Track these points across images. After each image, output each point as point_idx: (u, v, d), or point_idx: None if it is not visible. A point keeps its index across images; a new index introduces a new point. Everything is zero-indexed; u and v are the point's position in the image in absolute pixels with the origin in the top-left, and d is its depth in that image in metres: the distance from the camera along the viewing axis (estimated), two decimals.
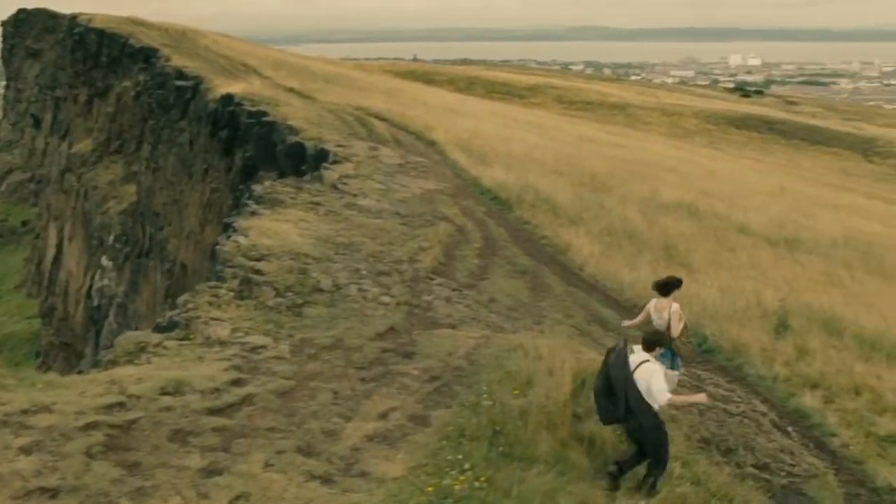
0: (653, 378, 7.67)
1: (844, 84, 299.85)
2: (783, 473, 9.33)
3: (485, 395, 8.69)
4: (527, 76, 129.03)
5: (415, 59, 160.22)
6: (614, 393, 7.71)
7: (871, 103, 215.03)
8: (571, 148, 37.53)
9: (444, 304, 12.06)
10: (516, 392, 8.69)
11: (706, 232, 21.85)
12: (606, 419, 7.85)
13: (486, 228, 18.12)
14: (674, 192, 26.80)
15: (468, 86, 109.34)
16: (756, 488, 8.88)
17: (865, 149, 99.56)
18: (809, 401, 11.22)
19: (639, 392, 7.65)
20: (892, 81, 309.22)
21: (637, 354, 7.88)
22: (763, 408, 10.73)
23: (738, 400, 10.75)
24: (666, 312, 9.99)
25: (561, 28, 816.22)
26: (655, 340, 8.11)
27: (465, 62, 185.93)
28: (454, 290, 12.86)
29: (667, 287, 10.15)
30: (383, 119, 33.11)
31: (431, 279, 13.18)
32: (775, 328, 13.79)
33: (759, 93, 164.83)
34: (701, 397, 8.37)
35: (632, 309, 14.14)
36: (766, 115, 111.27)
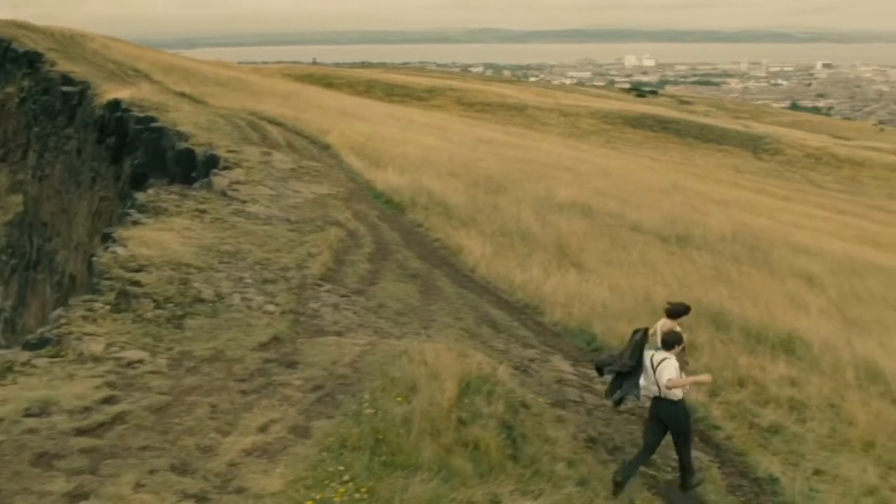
0: (665, 368, 8.84)
1: (734, 84, 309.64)
2: (669, 468, 9.41)
3: (367, 404, 8.51)
4: (426, 78, 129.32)
5: (314, 63, 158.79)
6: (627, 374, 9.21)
7: (759, 102, 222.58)
8: (468, 149, 37.61)
9: (332, 310, 11.82)
10: (400, 399, 8.54)
11: (599, 230, 22.10)
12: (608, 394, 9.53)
13: (378, 232, 17.93)
14: (568, 192, 27.05)
15: (367, 89, 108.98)
16: (642, 485, 8.93)
17: (755, 146, 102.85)
18: (694, 395, 11.35)
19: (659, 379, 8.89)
20: (779, 81, 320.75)
21: (658, 353, 9.07)
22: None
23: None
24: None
25: (459, 30, 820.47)
26: (672, 340, 9.22)
27: (364, 65, 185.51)
28: (342, 296, 12.63)
29: (677, 313, 10.36)
30: (277, 123, 32.60)
31: (319, 286, 12.92)
32: None
33: (654, 93, 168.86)
34: (706, 377, 9.58)
35: (523, 309, 14.16)
36: (661, 114, 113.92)
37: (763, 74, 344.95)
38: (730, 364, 13.15)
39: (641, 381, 9.15)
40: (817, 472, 10.24)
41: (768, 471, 9.77)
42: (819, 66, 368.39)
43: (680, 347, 9.28)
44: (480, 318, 13.00)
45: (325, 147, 28.80)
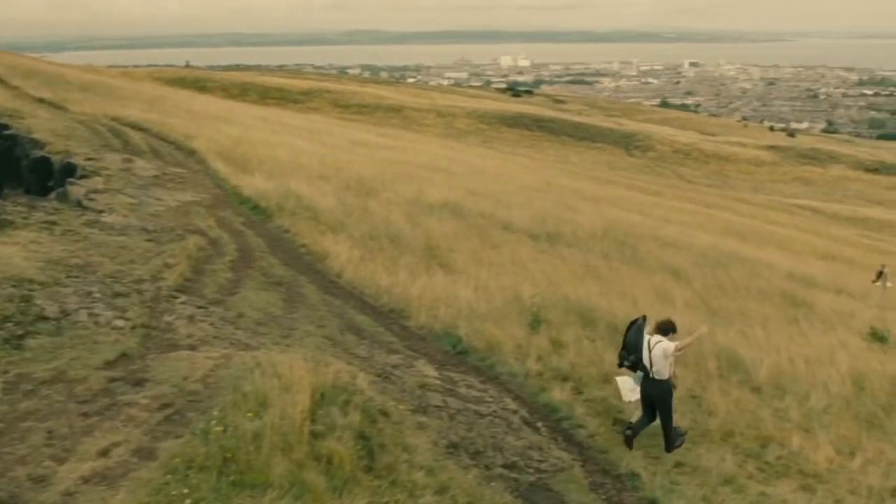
0: (664, 349, 10.32)
1: (607, 83, 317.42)
2: (531, 470, 9.35)
3: (216, 421, 8.12)
4: (302, 81, 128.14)
5: (187, 66, 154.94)
6: (631, 352, 10.70)
7: (631, 100, 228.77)
8: (341, 152, 37.23)
9: (187, 323, 11.33)
10: (250, 414, 8.18)
11: (470, 230, 22.10)
12: (621, 364, 10.93)
13: (242, 240, 17.42)
14: (441, 193, 27.01)
15: (242, 92, 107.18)
16: (504, 489, 8.83)
17: (627, 143, 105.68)
18: (559, 394, 11.38)
19: (656, 362, 10.34)
20: (650, 80, 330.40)
21: (655, 337, 10.52)
22: (514, 405, 10.76)
23: (490, 400, 10.72)
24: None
25: (335, 32, 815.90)
26: (667, 328, 10.70)
27: (239, 68, 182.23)
28: (199, 307, 12.15)
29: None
30: (141, 129, 31.52)
31: (175, 297, 12.40)
32: (530, 324, 13.98)
33: (529, 92, 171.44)
34: (702, 329, 11.15)
35: (389, 314, 13.95)
36: (536, 113, 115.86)
37: (634, 73, 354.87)
38: (596, 360, 13.24)
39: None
40: (678, 465, 10.38)
41: (630, 467, 9.83)
42: (687, 65, 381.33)
43: (674, 334, 10.67)
44: (345, 324, 12.73)
45: (192, 152, 27.98)
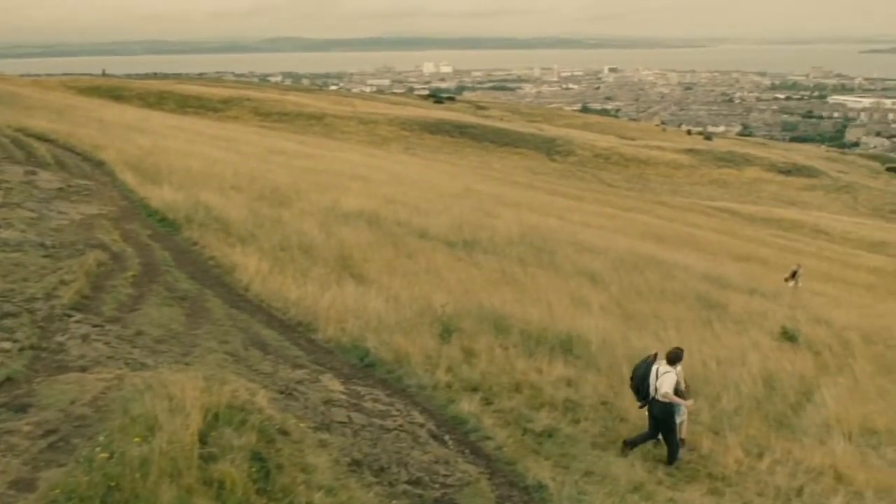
0: (665, 381, 11.36)
1: (529, 88, 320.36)
2: (436, 486, 9.13)
3: (101, 448, 7.73)
4: (222, 89, 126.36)
5: (104, 74, 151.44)
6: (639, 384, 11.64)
7: (552, 106, 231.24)
8: (257, 161, 36.66)
9: (80, 343, 10.85)
10: (138, 439, 7.80)
11: (385, 239, 21.85)
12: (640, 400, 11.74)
13: (148, 253, 16.87)
14: (357, 201, 26.71)
15: (159, 101, 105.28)
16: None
17: (548, 148, 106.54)
18: (468, 405, 11.19)
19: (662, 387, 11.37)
20: (571, 85, 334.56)
21: (663, 367, 11.55)
22: (421, 419, 10.54)
23: (396, 413, 10.48)
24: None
25: (256, 39, 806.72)
26: (674, 358, 11.74)
27: (157, 76, 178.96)
28: (95, 326, 11.65)
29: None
30: (47, 140, 30.52)
31: (69, 316, 11.88)
32: (440, 334, 13.79)
33: (452, 99, 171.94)
34: (689, 403, 11.99)
35: (296, 327, 13.61)
36: (459, 119, 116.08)
37: (555, 79, 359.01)
38: (507, 369, 13.13)
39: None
40: (587, 474, 10.29)
41: (537, 478, 9.69)
42: (606, 70, 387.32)
43: (679, 363, 11.75)
44: (249, 339, 12.36)
45: (100, 164, 27.15)
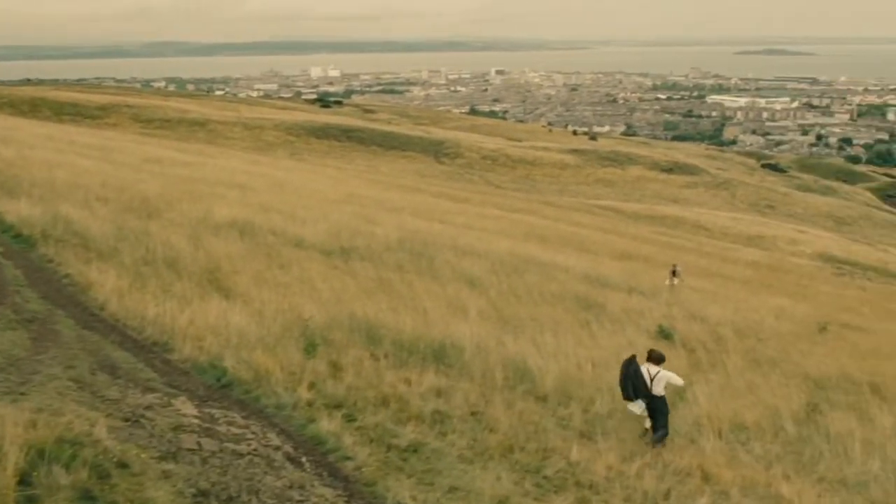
0: (670, 378, 13.50)
1: (417, 91, 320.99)
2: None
3: None
4: (101, 95, 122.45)
5: None
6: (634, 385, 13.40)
7: (441, 108, 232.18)
8: (129, 170, 35.37)
9: None
10: None
11: (257, 250, 21.22)
12: (628, 397, 13.51)
13: None
14: (231, 211, 25.94)
15: (32, 108, 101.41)
16: None
17: (436, 151, 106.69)
18: (328, 424, 10.77)
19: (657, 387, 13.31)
20: (458, 88, 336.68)
21: (653, 368, 13.50)
22: (278, 441, 10.06)
23: (251, 437, 9.98)
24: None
25: (136, 44, 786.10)
26: (660, 359, 13.70)
27: (31, 82, 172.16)
28: None
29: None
30: None
31: None
32: (305, 348, 13.32)
33: (339, 103, 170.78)
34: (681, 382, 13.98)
35: (151, 347, 12.94)
36: (346, 123, 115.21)
37: (443, 82, 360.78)
38: (375, 382, 12.76)
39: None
40: (452, 490, 10.00)
41: (398, 498, 9.35)
42: (493, 72, 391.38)
43: (664, 363, 13.64)
44: (99, 363, 11.64)
45: None
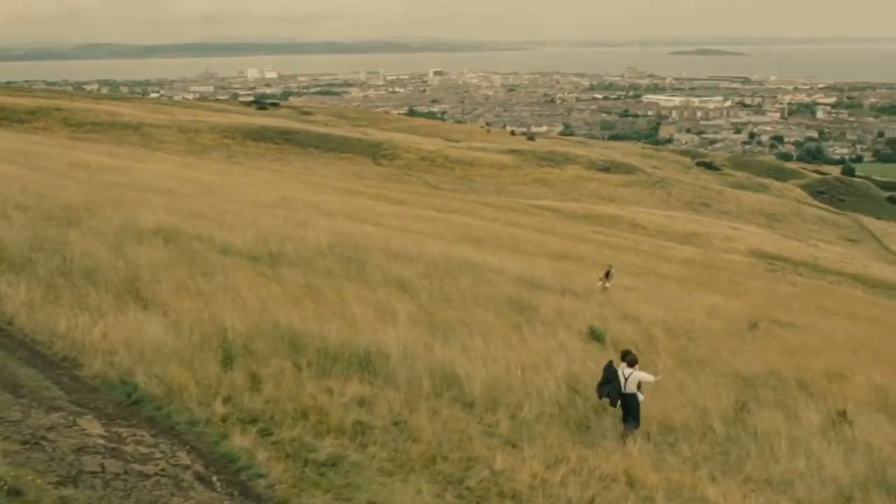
0: (642, 377, 14.79)
1: (356, 93, 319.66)
2: None
3: None
4: (30, 98, 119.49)
5: None
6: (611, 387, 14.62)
7: (379, 109, 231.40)
8: (53, 176, 34.42)
9: None
10: None
11: (181, 257, 20.66)
12: (612, 400, 14.69)
13: None
14: (157, 217, 25.28)
15: None
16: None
17: (374, 153, 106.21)
18: (241, 440, 10.41)
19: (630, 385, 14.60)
20: (397, 89, 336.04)
21: (627, 370, 14.73)
22: (188, 459, 9.69)
23: (160, 456, 9.59)
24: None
25: (67, 46, 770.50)
26: (633, 360, 14.98)
27: None
28: None
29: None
30: None
31: None
32: (222, 360, 12.92)
33: (276, 104, 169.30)
34: (658, 378, 15.69)
35: (60, 363, 12.44)
36: (282, 125, 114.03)
37: (382, 83, 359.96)
38: (295, 394, 12.41)
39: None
40: None
41: None
42: (432, 73, 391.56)
43: (637, 364, 14.97)
44: (1, 382, 11.15)
45: None
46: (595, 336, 21.46)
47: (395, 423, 12.26)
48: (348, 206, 46.13)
